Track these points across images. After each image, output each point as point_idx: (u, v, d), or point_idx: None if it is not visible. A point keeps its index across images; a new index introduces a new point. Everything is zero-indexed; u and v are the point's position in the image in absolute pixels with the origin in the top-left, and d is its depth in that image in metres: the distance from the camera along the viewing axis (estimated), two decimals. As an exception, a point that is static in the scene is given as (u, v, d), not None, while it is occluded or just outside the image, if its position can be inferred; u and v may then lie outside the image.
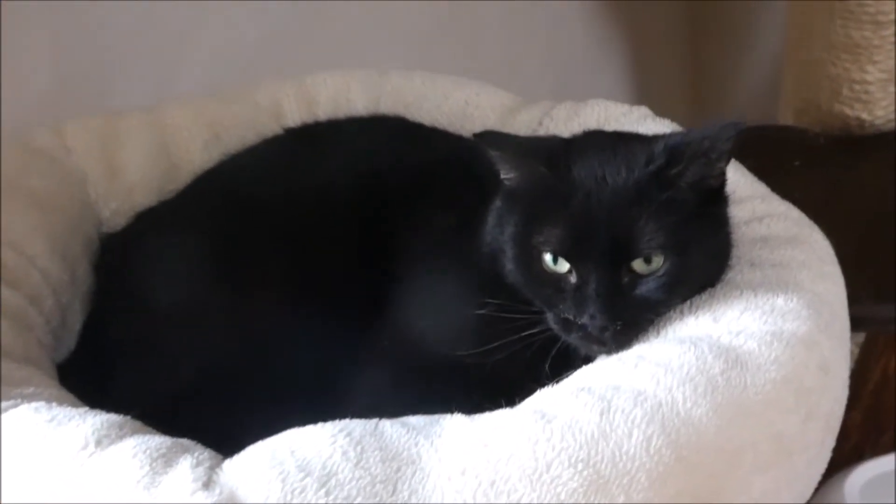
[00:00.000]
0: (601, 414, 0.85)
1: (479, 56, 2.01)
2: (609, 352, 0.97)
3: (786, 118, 2.14)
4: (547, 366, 0.99)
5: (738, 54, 2.58)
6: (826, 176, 1.87)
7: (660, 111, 1.33)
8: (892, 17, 1.86)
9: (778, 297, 0.97)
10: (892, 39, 1.88)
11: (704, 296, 0.99)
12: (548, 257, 0.99)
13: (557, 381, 0.94)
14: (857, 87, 1.93)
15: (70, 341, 1.20)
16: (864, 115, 1.94)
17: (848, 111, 1.96)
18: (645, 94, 2.42)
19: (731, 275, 1.02)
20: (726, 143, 0.97)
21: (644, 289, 0.96)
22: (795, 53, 2.08)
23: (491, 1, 2.01)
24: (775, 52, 2.43)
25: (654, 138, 1.03)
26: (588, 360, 0.99)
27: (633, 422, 0.84)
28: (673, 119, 1.31)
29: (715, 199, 1.02)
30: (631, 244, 0.95)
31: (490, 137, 1.04)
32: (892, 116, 1.95)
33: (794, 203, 1.18)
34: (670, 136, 1.01)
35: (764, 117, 2.33)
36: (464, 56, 1.98)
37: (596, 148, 1.01)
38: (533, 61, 2.16)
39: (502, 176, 1.03)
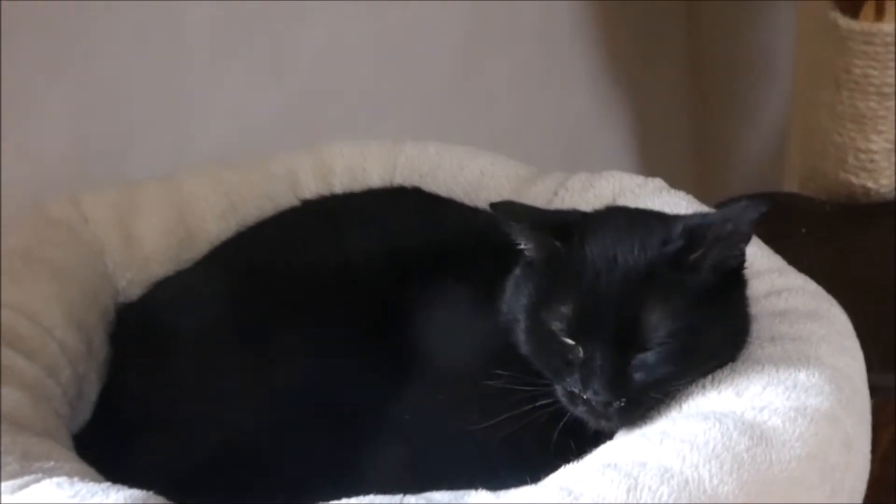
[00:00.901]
0: (628, 491, 0.85)
1: (487, 125, 2.03)
2: (614, 427, 0.98)
3: (791, 186, 2.15)
4: (555, 437, 0.99)
5: (743, 123, 2.60)
6: (832, 243, 1.88)
7: (665, 178, 1.34)
8: (896, 88, 1.88)
9: (800, 371, 0.97)
10: (896, 110, 1.91)
11: (726, 370, 0.99)
12: (556, 331, 0.99)
13: (580, 457, 0.94)
14: (863, 155, 1.94)
15: (86, 412, 1.20)
16: (870, 184, 1.96)
17: (853, 179, 1.97)
18: (650, 162, 2.44)
19: (751, 349, 1.02)
20: (749, 226, 0.97)
21: (649, 369, 0.96)
22: (801, 123, 2.10)
23: (499, 71, 2.03)
24: (779, 121, 2.45)
25: (673, 218, 1.03)
26: (598, 434, 0.99)
27: (660, 499, 0.84)
28: (678, 186, 1.32)
29: (732, 279, 1.02)
30: (638, 328, 0.95)
31: (506, 208, 1.05)
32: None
33: (802, 270, 1.19)
34: (690, 217, 1.02)
35: (768, 184, 2.36)
36: (472, 125, 1.99)
37: (612, 225, 1.01)
38: (540, 130, 2.17)
39: (521, 246, 1.04)
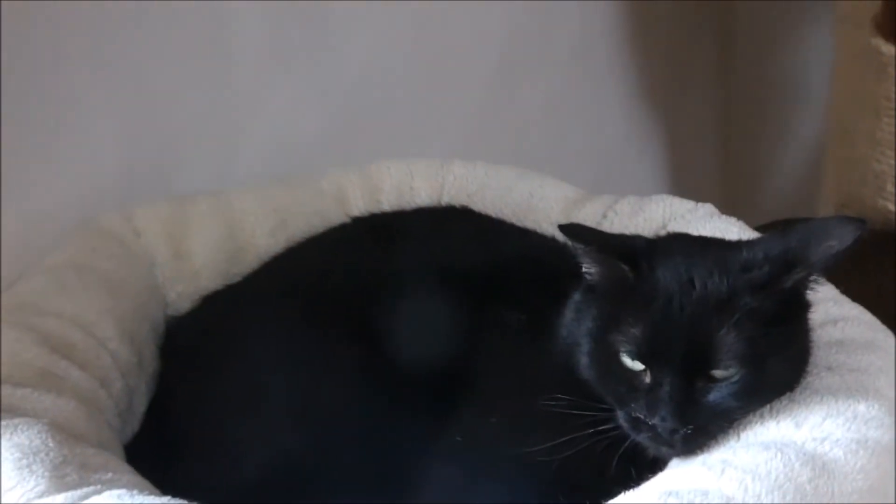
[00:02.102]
0: (691, 520, 0.85)
1: (521, 147, 2.04)
2: (677, 455, 0.97)
3: (827, 211, 2.15)
4: (614, 463, 0.98)
5: (776, 147, 2.60)
6: (871, 271, 1.88)
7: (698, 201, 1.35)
8: (937, 115, 1.88)
9: (860, 403, 0.96)
10: (937, 137, 1.90)
11: (784, 400, 0.99)
12: (624, 355, 0.98)
13: (637, 483, 0.94)
14: (902, 183, 1.94)
15: (134, 424, 1.21)
16: (908, 212, 1.95)
17: (891, 207, 1.96)
18: (683, 185, 2.44)
19: (809, 379, 1.01)
20: (853, 247, 0.95)
21: (718, 396, 0.96)
22: (838, 148, 2.09)
23: (534, 94, 2.04)
24: (814, 145, 2.45)
25: (746, 244, 1.03)
26: (656, 460, 0.99)
27: (723, 529, 0.84)
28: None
29: (798, 303, 1.01)
30: (710, 354, 0.95)
31: (575, 231, 1.04)
32: (935, 213, 1.96)
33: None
34: (768, 241, 1.01)
35: (802, 210, 2.35)
36: (506, 147, 2.00)
37: (682, 251, 1.01)
38: (574, 152, 2.18)
39: (584, 270, 1.03)
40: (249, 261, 1.33)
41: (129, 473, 1.02)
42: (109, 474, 0.98)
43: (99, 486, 0.94)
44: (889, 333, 1.11)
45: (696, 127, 2.55)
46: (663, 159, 2.46)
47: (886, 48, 1.87)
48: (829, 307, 1.13)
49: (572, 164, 2.15)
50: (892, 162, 1.94)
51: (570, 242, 1.03)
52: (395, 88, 1.79)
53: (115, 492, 0.93)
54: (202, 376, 1.19)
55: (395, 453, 1.06)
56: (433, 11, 1.80)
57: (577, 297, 1.06)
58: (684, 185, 2.41)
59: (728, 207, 1.36)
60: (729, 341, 0.94)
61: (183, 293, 1.32)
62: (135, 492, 0.93)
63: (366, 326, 1.15)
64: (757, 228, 1.38)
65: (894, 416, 0.97)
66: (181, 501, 0.92)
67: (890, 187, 1.96)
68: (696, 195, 1.38)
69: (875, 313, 1.17)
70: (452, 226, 1.31)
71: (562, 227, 1.03)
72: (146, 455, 1.14)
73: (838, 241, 0.95)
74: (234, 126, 1.53)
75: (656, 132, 2.42)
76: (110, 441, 1.11)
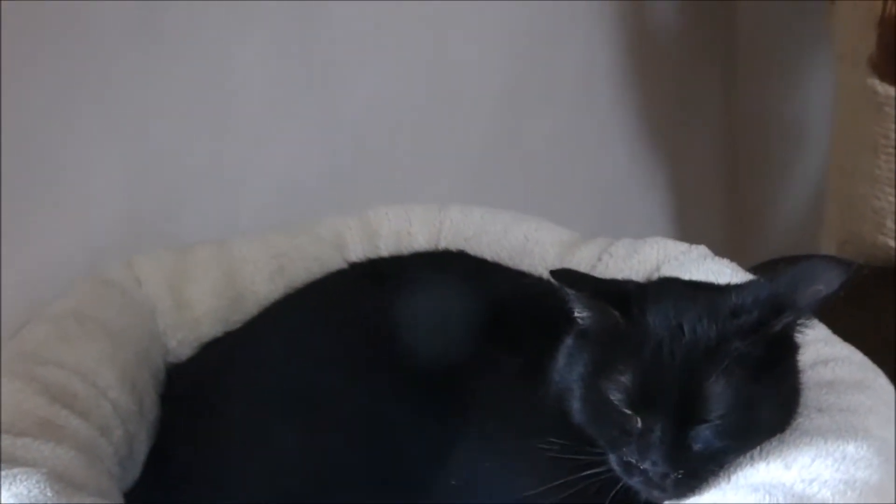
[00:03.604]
0: (683, 563, 0.85)
1: (524, 187, 2.05)
2: (668, 498, 0.97)
3: (829, 249, 2.15)
4: None
5: (779, 186, 2.61)
6: (871, 308, 1.88)
7: (700, 241, 1.36)
8: (935, 153, 1.89)
9: (849, 444, 0.97)
10: (934, 174, 1.91)
11: (774, 441, 0.99)
12: (615, 401, 0.99)
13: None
14: (901, 220, 1.95)
15: (135, 471, 1.21)
16: (908, 248, 1.96)
17: (892, 243, 1.97)
18: (686, 225, 2.45)
19: (799, 420, 1.02)
20: (842, 289, 0.95)
21: (708, 441, 0.96)
22: (838, 186, 2.10)
23: (537, 134, 2.06)
24: (816, 184, 2.46)
25: (735, 288, 1.03)
26: (648, 502, 1.00)
27: (715, 572, 0.85)
28: (713, 249, 1.33)
29: (788, 347, 1.02)
30: (700, 401, 0.96)
31: (566, 276, 1.05)
32: (934, 250, 1.96)
33: (839, 334, 1.19)
34: (756, 285, 1.01)
35: (805, 248, 2.36)
36: (509, 187, 2.01)
37: (672, 295, 1.01)
38: (576, 192, 2.19)
39: (575, 314, 1.04)
40: (249, 307, 1.34)
41: (130, 524, 1.03)
42: (110, 524, 0.99)
43: (98, 535, 0.95)
44: (879, 373, 1.12)
45: (699, 166, 2.56)
46: (667, 198, 2.47)
47: (883, 88, 1.88)
48: (820, 347, 1.14)
49: (575, 204, 2.17)
50: (892, 199, 1.95)
51: (561, 287, 1.04)
52: (395, 132, 1.81)
53: (113, 541, 0.94)
54: (202, 423, 1.20)
55: (393, 499, 1.07)
56: (433, 55, 1.82)
57: (569, 341, 1.07)
58: (687, 224, 2.42)
59: (732, 246, 1.37)
60: (718, 388, 0.95)
61: (184, 340, 1.33)
62: (135, 543, 0.94)
63: (364, 372, 1.17)
64: (756, 267, 1.39)
65: (885, 454, 0.97)
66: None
67: (890, 224, 1.96)
68: (700, 234, 1.39)
69: (875, 350, 1.18)
70: (449, 269, 1.32)
71: (553, 273, 1.04)
72: (148, 502, 1.14)
73: (825, 285, 0.96)
74: (237, 173, 1.55)
75: (660, 171, 2.44)
76: (110, 489, 1.11)
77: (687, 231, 1.37)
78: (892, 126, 1.90)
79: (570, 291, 1.03)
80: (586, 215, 2.17)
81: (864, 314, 1.83)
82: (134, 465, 1.21)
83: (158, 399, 1.27)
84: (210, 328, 1.33)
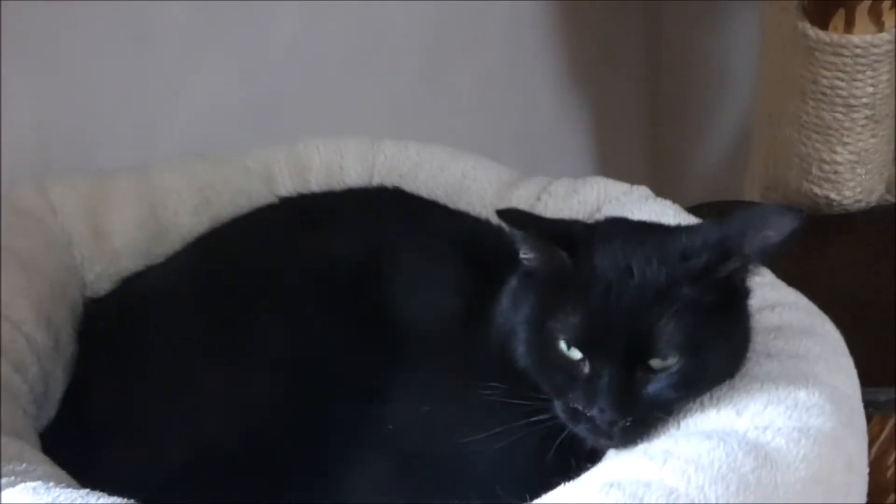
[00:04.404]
0: (633, 512, 0.83)
1: (451, 127, 2.02)
2: (616, 446, 0.95)
3: (752, 195, 2.16)
4: (551, 453, 0.96)
5: (703, 129, 2.62)
6: (795, 255, 1.88)
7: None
8: (864, 100, 1.89)
9: (800, 390, 0.95)
10: (863, 122, 1.91)
11: (724, 387, 0.97)
12: (562, 344, 0.96)
13: (576, 474, 0.91)
14: (827, 167, 1.95)
15: (51, 410, 1.15)
16: (833, 195, 1.96)
17: (817, 190, 1.97)
18: (609, 167, 2.44)
19: (749, 366, 1.00)
20: (792, 238, 0.93)
21: (658, 387, 0.94)
22: (765, 132, 2.10)
23: (464, 75, 2.04)
24: (740, 128, 2.46)
25: (685, 230, 1.01)
26: (595, 451, 0.97)
27: (666, 522, 0.82)
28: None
29: (738, 291, 0.99)
30: (649, 344, 0.93)
31: (512, 216, 1.00)
32: (860, 197, 1.97)
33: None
34: (707, 228, 0.99)
35: (728, 193, 2.36)
36: (436, 127, 1.99)
37: (621, 236, 0.98)
38: (502, 133, 2.17)
39: (521, 256, 1.00)
40: (172, 241, 1.28)
41: (45, 464, 0.97)
42: (24, 465, 0.93)
43: (13, 478, 0.89)
44: (826, 319, 1.11)
45: (624, 110, 2.55)
46: (592, 143, 2.46)
47: (814, 32, 1.87)
48: (766, 292, 1.12)
49: (502, 147, 2.15)
50: (818, 146, 1.95)
51: (507, 227, 1.00)
52: (322, 67, 1.76)
53: (31, 484, 0.88)
54: (122, 361, 1.14)
55: (325, 443, 1.03)
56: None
57: (514, 282, 1.03)
58: (612, 169, 2.41)
59: (656, 190, 1.34)
60: (668, 332, 0.92)
61: (102, 274, 1.26)
62: (51, 484, 0.89)
63: (292, 311, 1.12)
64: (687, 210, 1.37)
65: (837, 402, 0.96)
66: (100, 494, 0.88)
67: (815, 171, 1.97)
68: (625, 178, 1.36)
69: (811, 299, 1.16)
70: (385, 206, 1.27)
71: (499, 213, 1.00)
72: (63, 443, 1.08)
73: (775, 231, 0.93)
74: (156, 100, 1.49)
75: (585, 116, 2.43)
76: (24, 429, 1.05)
77: (612, 177, 1.34)
78: (821, 71, 1.90)
79: (516, 231, 0.99)
80: (512, 160, 2.15)
81: (791, 260, 1.83)
82: (49, 404, 1.15)
83: (76, 335, 1.21)
84: (130, 262, 1.27)
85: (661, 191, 1.34)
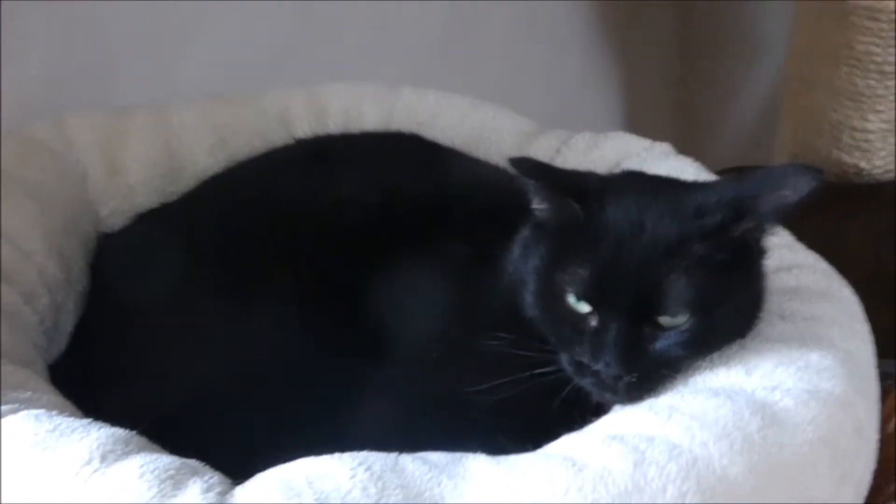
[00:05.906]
0: (634, 465, 0.81)
1: (476, 79, 2.00)
2: (620, 402, 0.93)
3: (781, 160, 2.13)
4: (556, 405, 0.95)
5: (732, 93, 2.58)
6: (822, 223, 1.85)
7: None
8: (898, 67, 1.86)
9: (812, 352, 0.93)
10: (896, 90, 1.88)
11: (735, 346, 0.95)
12: (570, 296, 0.94)
13: (581, 426, 0.90)
14: (858, 135, 1.92)
15: (61, 343, 1.15)
16: (863, 164, 1.93)
17: (847, 158, 1.95)
18: (637, 125, 2.41)
19: (761, 326, 0.98)
20: (809, 197, 0.91)
21: (665, 344, 0.92)
22: (795, 97, 2.07)
23: (491, 27, 2.02)
24: (770, 93, 2.43)
25: (701, 187, 0.99)
26: (600, 405, 0.95)
27: (667, 476, 0.81)
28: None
29: (752, 251, 0.97)
30: (658, 300, 0.91)
31: (525, 165, 0.98)
32: (891, 167, 1.94)
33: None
34: (723, 186, 0.97)
35: (756, 158, 2.33)
36: (461, 78, 1.96)
37: (635, 191, 0.96)
38: (529, 86, 2.15)
39: (533, 206, 0.99)
40: (187, 179, 1.28)
41: (51, 393, 0.96)
42: (29, 393, 0.92)
43: (16, 405, 0.89)
44: (844, 283, 1.09)
45: (653, 68, 2.52)
46: (619, 104, 2.43)
47: (849, -4, 1.84)
48: (784, 254, 1.10)
49: (527, 98, 2.12)
50: (849, 113, 1.92)
51: (520, 176, 0.98)
52: (347, 10, 1.73)
53: (34, 412, 0.88)
54: (133, 297, 1.13)
55: (330, 387, 1.02)
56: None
57: (525, 232, 1.01)
58: (639, 126, 2.37)
59: (682, 151, 1.32)
60: (678, 288, 0.91)
61: (116, 210, 1.26)
62: (54, 413, 0.88)
63: (303, 253, 1.11)
64: (724, 171, 1.35)
65: (849, 366, 0.94)
66: (101, 424, 0.87)
67: (846, 138, 1.94)
68: (650, 136, 1.34)
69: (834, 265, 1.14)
70: (401, 151, 1.25)
71: (512, 161, 0.97)
72: (72, 376, 1.08)
73: (793, 190, 0.91)
74: (175, 39, 1.48)
75: (613, 76, 2.40)
76: (33, 359, 1.05)
77: (638, 134, 1.32)
78: (857, 37, 1.86)
79: (528, 181, 0.97)
80: (537, 111, 2.12)
81: (818, 228, 1.81)
82: (60, 336, 1.15)
83: (88, 269, 1.21)
84: (144, 198, 1.27)
85: (686, 152, 1.32)
